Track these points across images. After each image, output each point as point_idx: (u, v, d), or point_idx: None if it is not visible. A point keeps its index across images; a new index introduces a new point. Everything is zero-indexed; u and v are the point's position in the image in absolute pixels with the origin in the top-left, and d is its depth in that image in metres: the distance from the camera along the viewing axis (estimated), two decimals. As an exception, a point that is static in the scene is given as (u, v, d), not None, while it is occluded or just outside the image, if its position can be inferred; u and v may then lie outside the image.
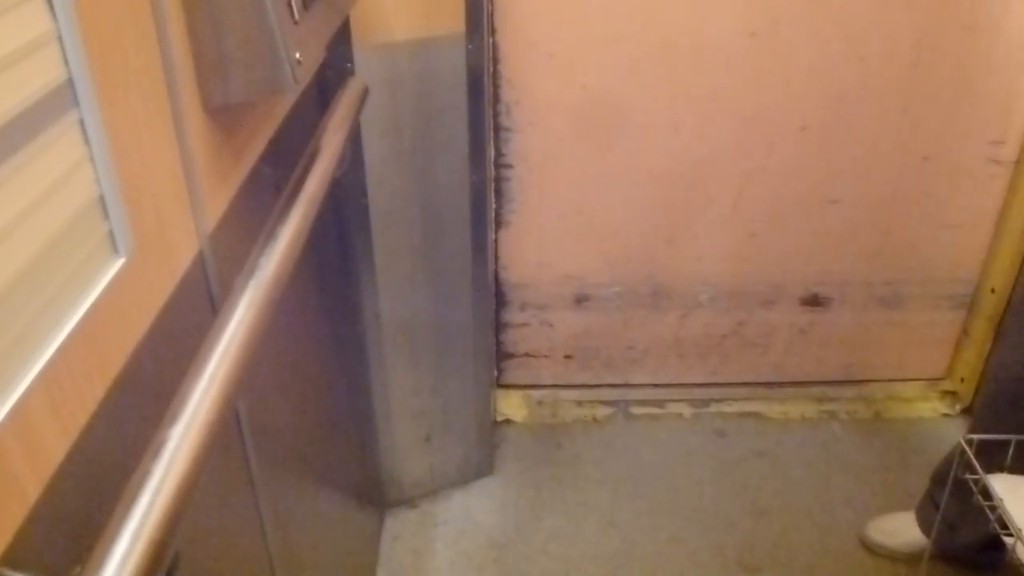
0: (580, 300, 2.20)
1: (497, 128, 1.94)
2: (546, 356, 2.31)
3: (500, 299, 2.20)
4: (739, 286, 2.21)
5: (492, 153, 1.95)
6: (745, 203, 2.07)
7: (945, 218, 2.13)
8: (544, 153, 1.99)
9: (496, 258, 2.13)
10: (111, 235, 0.61)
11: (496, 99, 1.91)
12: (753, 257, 2.16)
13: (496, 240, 2.10)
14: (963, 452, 1.24)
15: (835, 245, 2.15)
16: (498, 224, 2.08)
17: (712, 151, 2.01)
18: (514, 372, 2.34)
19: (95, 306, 0.57)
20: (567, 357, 2.31)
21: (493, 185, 2.00)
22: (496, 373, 2.32)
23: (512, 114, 1.93)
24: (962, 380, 2.30)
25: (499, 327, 2.25)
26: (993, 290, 2.14)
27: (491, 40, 1.82)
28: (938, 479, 1.78)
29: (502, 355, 2.31)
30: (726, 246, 2.14)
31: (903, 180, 2.06)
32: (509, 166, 2.01)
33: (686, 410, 2.33)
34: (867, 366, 2.36)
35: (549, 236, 2.11)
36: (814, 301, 2.23)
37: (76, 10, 0.56)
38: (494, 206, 2.04)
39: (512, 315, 2.23)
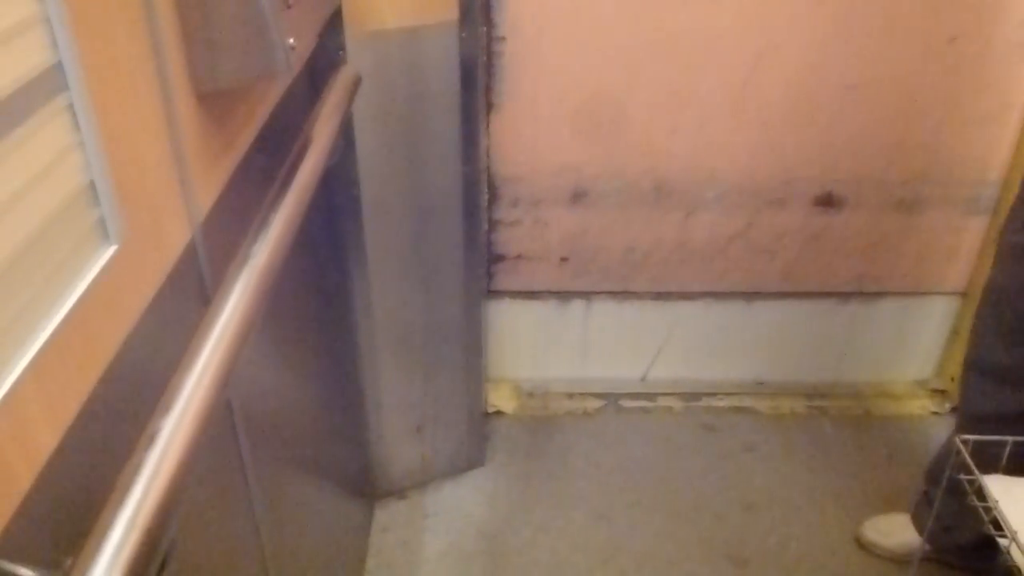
0: (577, 196, 2.06)
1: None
2: (540, 258, 2.15)
3: (492, 193, 2.05)
4: (748, 183, 2.06)
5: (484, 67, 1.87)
6: (756, 85, 1.93)
7: (970, 109, 1.98)
8: (539, 24, 1.85)
9: (487, 146, 1.98)
10: (102, 222, 0.60)
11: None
12: (763, 150, 2.02)
13: (488, 124, 1.95)
14: (958, 452, 1.23)
15: (851, 137, 2.01)
16: (489, 107, 1.94)
17: (722, 25, 1.86)
18: (506, 277, 2.18)
19: (86, 294, 0.56)
20: (563, 260, 2.16)
21: (485, 60, 1.85)
22: (488, 281, 2.18)
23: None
24: (952, 379, 2.31)
25: (490, 225, 2.10)
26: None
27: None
28: (932, 478, 1.78)
29: (493, 257, 2.15)
30: (735, 135, 2.00)
31: (927, 64, 1.91)
32: (502, 39, 1.86)
33: (676, 404, 2.33)
34: (880, 277, 2.22)
35: (544, 120, 1.96)
36: (827, 201, 2.09)
37: (64, -7, 0.55)
38: (485, 84, 1.89)
39: (504, 212, 2.08)
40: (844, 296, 2.24)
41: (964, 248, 2.17)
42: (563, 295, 2.23)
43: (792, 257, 2.17)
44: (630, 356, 2.34)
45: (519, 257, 2.15)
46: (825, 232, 2.13)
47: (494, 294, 2.21)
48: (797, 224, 2.12)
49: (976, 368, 1.62)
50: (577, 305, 2.25)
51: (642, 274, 2.19)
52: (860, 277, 2.21)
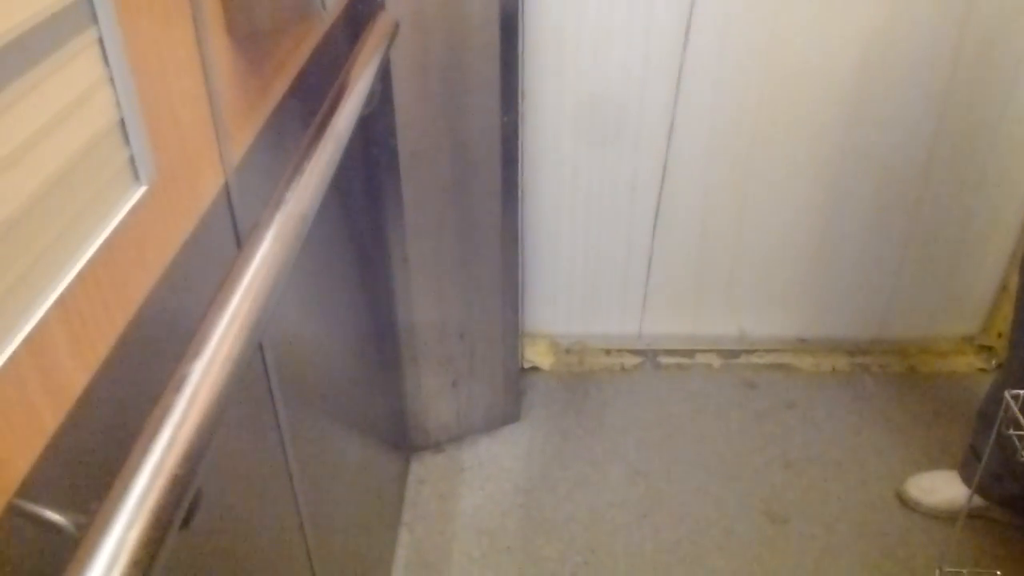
0: None
1: None
2: None
3: None
4: None
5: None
6: None
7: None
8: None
9: None
10: (132, 161, 0.58)
11: None
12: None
13: None
14: (1007, 408, 1.20)
15: None
16: None
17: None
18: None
19: (115, 234, 0.55)
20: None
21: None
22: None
23: None
24: (999, 335, 2.26)
25: None
26: None
27: None
28: (978, 429, 1.74)
29: None
30: None
31: None
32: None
33: (715, 361, 2.30)
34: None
35: None
36: None
37: (94, -79, 0.53)
38: None
39: None
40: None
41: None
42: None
43: None
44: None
45: None
46: None
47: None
48: None
49: None
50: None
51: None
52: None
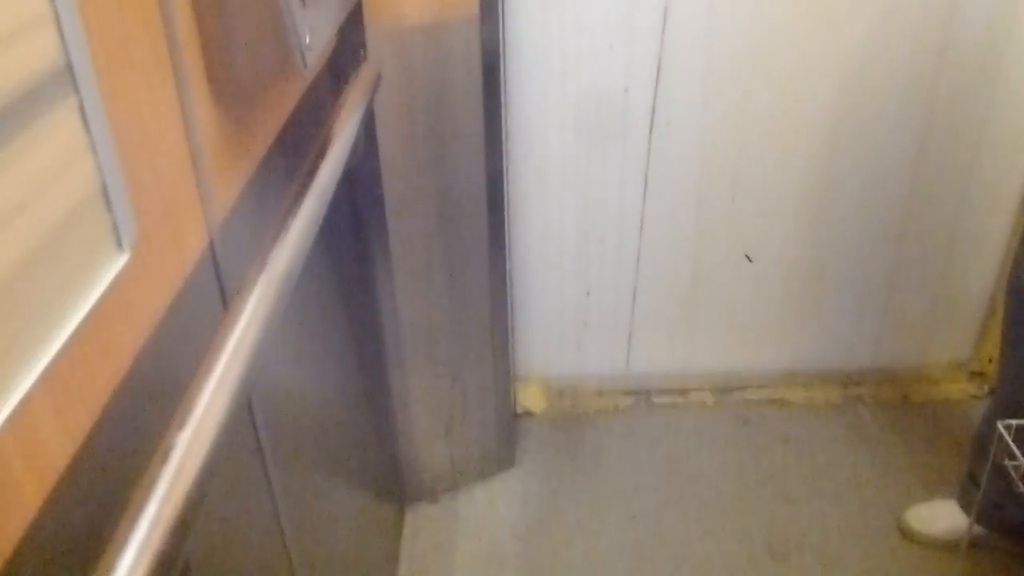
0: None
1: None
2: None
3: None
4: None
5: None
6: None
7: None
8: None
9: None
10: (115, 228, 0.58)
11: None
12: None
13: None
14: (1000, 438, 1.19)
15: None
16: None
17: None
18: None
19: (99, 303, 0.54)
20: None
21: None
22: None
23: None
24: (990, 360, 2.26)
25: None
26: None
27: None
28: (974, 458, 1.74)
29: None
30: None
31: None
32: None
33: (709, 398, 2.29)
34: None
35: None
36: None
37: (73, -11, 0.52)
38: None
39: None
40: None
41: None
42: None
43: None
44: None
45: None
46: None
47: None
48: None
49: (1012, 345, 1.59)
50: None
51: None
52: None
